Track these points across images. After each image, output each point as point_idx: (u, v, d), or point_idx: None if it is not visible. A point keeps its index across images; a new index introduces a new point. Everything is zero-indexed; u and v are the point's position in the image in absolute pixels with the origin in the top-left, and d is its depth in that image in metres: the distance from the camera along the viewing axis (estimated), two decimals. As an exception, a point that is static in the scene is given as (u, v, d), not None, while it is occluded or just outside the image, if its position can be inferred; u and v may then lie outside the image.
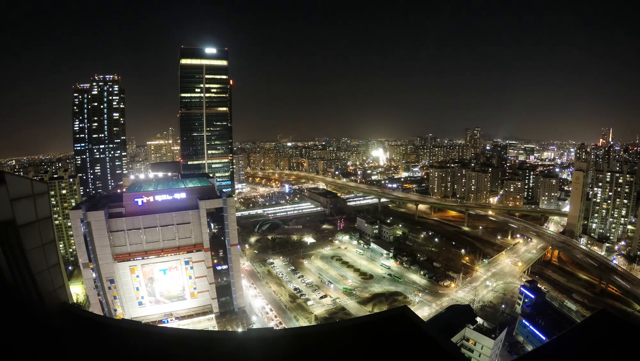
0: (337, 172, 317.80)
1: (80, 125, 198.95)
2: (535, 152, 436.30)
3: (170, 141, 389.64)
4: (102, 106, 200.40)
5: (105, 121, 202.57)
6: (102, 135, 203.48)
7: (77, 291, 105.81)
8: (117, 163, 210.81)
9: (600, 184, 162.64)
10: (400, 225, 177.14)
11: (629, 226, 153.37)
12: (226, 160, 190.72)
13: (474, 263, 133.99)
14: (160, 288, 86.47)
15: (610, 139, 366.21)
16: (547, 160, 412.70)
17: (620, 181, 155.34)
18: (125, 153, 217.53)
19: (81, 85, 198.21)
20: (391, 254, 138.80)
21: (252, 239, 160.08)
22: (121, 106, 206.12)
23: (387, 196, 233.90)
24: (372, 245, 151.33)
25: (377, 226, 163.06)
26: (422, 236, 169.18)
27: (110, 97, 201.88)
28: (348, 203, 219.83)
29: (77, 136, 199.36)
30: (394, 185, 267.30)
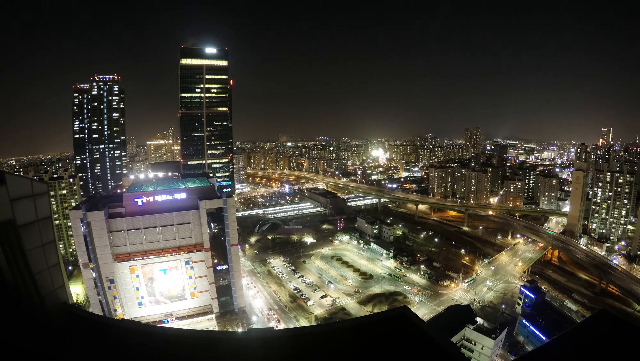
0: (337, 173, 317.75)
1: (80, 125, 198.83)
2: (535, 152, 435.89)
3: (170, 141, 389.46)
4: (102, 106, 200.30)
5: (105, 121, 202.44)
6: (102, 135, 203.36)
7: (77, 291, 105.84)
8: (117, 163, 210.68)
9: (600, 184, 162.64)
10: (400, 225, 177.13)
11: (629, 226, 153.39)
12: (226, 160, 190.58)
13: (474, 263, 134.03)
14: (160, 288, 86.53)
15: (610, 139, 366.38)
16: (547, 160, 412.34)
17: (620, 181, 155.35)
18: (125, 153, 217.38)
19: (81, 85, 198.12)
20: (391, 254, 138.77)
21: (252, 239, 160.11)
22: (121, 106, 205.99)
23: (387, 196, 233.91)
24: (372, 245, 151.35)
25: (377, 226, 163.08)
26: (422, 236, 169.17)
27: (110, 97, 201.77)
28: (348, 203, 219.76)
29: (77, 136, 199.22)
30: (394, 185, 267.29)
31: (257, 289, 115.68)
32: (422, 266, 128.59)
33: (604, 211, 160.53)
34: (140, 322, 9.75)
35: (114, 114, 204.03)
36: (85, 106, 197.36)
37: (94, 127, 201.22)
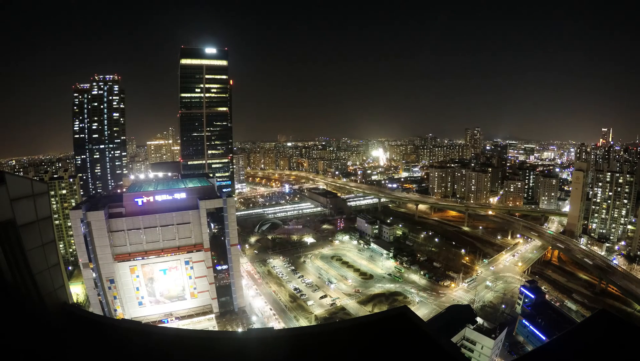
0: (337, 173, 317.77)
1: (80, 125, 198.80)
2: (535, 152, 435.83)
3: (170, 141, 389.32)
4: (102, 106, 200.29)
5: (105, 121, 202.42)
6: (102, 135, 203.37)
7: (77, 291, 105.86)
8: (117, 163, 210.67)
9: (600, 184, 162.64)
10: (400, 225, 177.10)
11: (629, 226, 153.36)
12: (226, 160, 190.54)
13: (474, 263, 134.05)
14: (160, 288, 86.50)
15: (610, 139, 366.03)
16: (547, 160, 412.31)
17: (620, 181, 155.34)
18: (125, 153, 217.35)
19: (81, 85, 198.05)
20: (391, 254, 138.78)
21: (252, 239, 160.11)
22: (121, 106, 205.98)
23: (387, 196, 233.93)
24: (372, 245, 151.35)
25: (377, 226, 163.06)
26: (422, 236, 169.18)
27: (110, 97, 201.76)
28: (348, 203, 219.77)
29: (77, 136, 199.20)
30: (394, 185, 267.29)
31: (257, 289, 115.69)
32: (422, 266, 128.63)
33: (604, 211, 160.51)
34: (140, 322, 9.75)
35: (114, 114, 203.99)
36: (85, 106, 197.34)
37: (94, 127, 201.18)
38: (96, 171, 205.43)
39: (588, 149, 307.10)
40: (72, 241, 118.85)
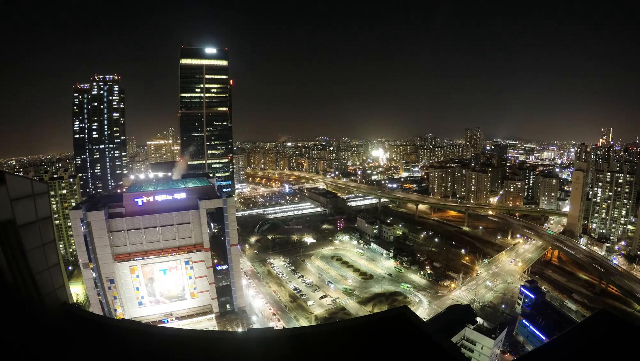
0: (337, 173, 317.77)
1: (80, 125, 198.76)
2: (535, 152, 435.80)
3: (170, 141, 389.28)
4: (102, 106, 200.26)
5: (105, 121, 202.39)
6: (102, 135, 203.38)
7: (77, 291, 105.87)
8: (117, 163, 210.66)
9: (600, 184, 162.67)
10: (400, 225, 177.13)
11: (629, 226, 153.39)
12: (226, 160, 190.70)
13: (474, 263, 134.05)
14: (160, 288, 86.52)
15: (610, 139, 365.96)
16: (547, 160, 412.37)
17: (620, 181, 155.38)
18: (125, 153, 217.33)
19: (81, 85, 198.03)
20: (391, 254, 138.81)
21: (252, 239, 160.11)
22: (121, 106, 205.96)
23: (387, 196, 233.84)
24: (372, 245, 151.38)
25: (377, 226, 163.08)
26: (422, 236, 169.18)
27: (110, 97, 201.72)
28: (348, 203, 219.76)
29: (77, 136, 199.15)
30: (394, 185, 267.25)
31: (257, 289, 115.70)
32: (422, 266, 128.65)
33: (604, 211, 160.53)
34: (140, 322, 9.75)
35: (114, 114, 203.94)
36: (85, 106, 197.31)
37: (94, 127, 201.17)
38: (96, 171, 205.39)
39: (588, 149, 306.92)
40: (72, 241, 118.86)
